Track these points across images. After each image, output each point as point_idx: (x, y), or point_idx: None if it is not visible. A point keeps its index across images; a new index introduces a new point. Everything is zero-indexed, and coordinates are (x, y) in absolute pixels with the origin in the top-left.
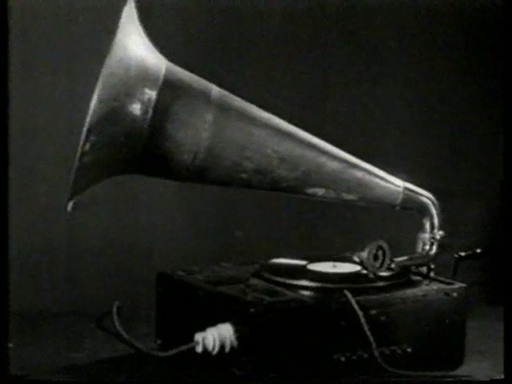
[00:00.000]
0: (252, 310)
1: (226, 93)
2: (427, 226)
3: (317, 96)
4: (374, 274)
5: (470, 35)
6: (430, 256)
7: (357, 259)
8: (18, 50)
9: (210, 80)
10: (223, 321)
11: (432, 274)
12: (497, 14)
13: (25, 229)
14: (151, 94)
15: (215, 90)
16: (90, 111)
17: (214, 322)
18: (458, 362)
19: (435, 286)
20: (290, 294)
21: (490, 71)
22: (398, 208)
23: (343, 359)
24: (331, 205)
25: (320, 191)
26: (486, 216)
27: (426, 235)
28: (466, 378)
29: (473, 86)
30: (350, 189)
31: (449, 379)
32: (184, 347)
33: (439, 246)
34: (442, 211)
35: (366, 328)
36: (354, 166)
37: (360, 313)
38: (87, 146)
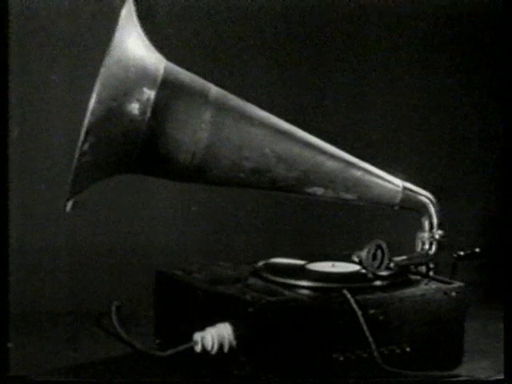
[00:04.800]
0: (251, 309)
1: (224, 92)
2: (426, 225)
3: (315, 95)
4: (373, 274)
5: (470, 35)
6: (429, 255)
7: (356, 259)
8: (17, 50)
9: (209, 79)
10: (222, 320)
11: (431, 274)
12: (497, 15)
13: (25, 229)
14: (150, 93)
15: (213, 89)
16: (89, 111)
17: (212, 322)
18: (457, 361)
19: (434, 285)
20: (288, 293)
21: (489, 71)
22: (396, 207)
23: (342, 359)
24: (330, 204)
25: (319, 190)
26: (485, 215)
27: (425, 234)
28: (464, 378)
29: (472, 86)
30: (349, 188)
31: (448, 379)
32: (183, 347)
33: (438, 246)
34: (441, 211)
35: (364, 327)
36: (353, 165)
37: (359, 312)
38: (86, 146)
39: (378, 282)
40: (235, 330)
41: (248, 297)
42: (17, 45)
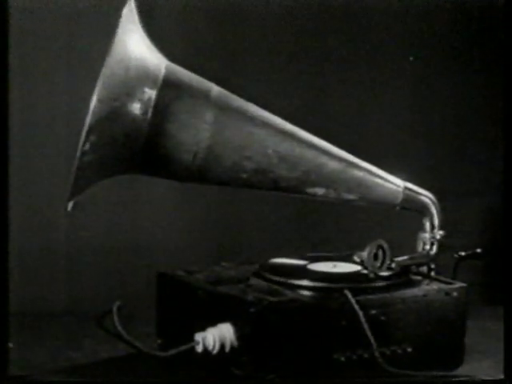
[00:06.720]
0: (252, 309)
1: (225, 92)
2: (427, 225)
3: (317, 95)
4: (375, 274)
5: (470, 35)
6: (431, 256)
7: (357, 259)
8: (17, 50)
9: (210, 79)
10: (223, 321)
11: (432, 274)
12: (497, 14)
13: (25, 229)
14: (151, 93)
15: (215, 89)
16: (90, 111)
17: (214, 322)
18: (458, 361)
19: (435, 285)
20: (290, 293)
21: (489, 71)
22: (398, 208)
23: (343, 359)
24: (331, 205)
25: (320, 191)
26: (486, 216)
27: (427, 235)
28: (465, 378)
29: (473, 86)
30: (351, 189)
31: (449, 379)
32: (184, 347)
33: (439, 246)
34: (442, 211)
35: (366, 328)
36: (355, 165)
37: (360, 313)
38: (87, 146)
39: (379, 283)
40: (237, 331)
41: (250, 297)
42: (17, 45)
